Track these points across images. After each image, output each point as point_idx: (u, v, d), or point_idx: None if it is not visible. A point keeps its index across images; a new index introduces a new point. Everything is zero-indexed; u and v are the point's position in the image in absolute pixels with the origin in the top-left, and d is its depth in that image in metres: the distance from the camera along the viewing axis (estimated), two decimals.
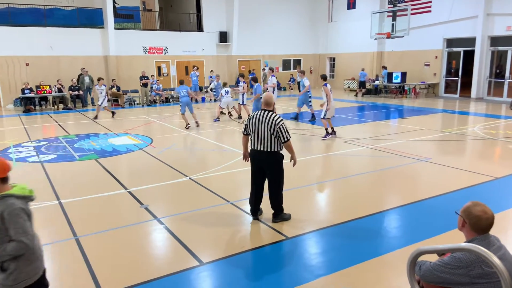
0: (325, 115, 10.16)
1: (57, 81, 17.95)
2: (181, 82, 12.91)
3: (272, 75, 13.33)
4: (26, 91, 17.01)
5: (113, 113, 14.97)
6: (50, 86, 17.49)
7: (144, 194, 6.27)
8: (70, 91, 17.90)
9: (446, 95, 20.12)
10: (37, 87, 17.27)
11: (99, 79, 15.07)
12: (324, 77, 10.62)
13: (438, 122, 12.97)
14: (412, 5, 19.59)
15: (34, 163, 8.31)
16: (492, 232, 2.37)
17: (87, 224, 5.19)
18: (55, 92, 17.63)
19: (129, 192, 6.38)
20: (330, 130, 10.38)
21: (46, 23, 19.06)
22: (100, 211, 5.68)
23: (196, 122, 12.44)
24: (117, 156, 8.93)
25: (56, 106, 17.82)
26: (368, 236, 4.74)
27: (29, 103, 17.20)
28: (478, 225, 2.34)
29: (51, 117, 15.41)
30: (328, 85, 10.25)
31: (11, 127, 13.10)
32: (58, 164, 8.26)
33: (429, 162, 7.88)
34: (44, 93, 17.33)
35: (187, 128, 12.02)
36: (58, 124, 13.45)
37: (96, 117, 14.66)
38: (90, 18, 20.43)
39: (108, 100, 16.72)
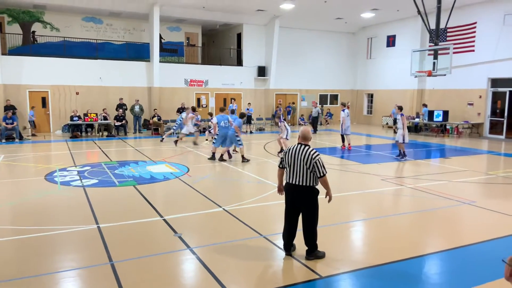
0: (403, 140, 12.20)
1: (103, 110, 18.96)
2: (222, 110, 12.32)
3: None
4: (74, 118, 18.06)
5: None
6: (96, 114, 18.52)
7: (178, 223, 6.34)
8: (115, 120, 18.81)
9: (491, 135, 19.27)
10: (85, 114, 18.32)
11: None
12: (400, 108, 12.61)
13: (483, 164, 12.38)
14: (454, 44, 19.25)
15: (77, 187, 8.66)
16: None
17: (123, 250, 5.29)
18: (101, 120, 18.59)
19: (164, 220, 6.47)
20: (403, 153, 12.38)
21: (97, 56, 20.41)
22: (136, 238, 5.78)
23: (230, 154, 12.38)
24: (154, 184, 9.14)
25: (101, 133, 18.72)
26: (407, 281, 4.50)
27: (76, 129, 18.18)
28: None
29: (95, 143, 16.14)
30: (404, 115, 12.31)
31: (58, 151, 13.82)
32: (99, 189, 8.56)
33: (473, 206, 7.48)
34: (90, 120, 18.34)
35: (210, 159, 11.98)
36: (102, 151, 14.05)
37: None
38: (138, 52, 21.72)
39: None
